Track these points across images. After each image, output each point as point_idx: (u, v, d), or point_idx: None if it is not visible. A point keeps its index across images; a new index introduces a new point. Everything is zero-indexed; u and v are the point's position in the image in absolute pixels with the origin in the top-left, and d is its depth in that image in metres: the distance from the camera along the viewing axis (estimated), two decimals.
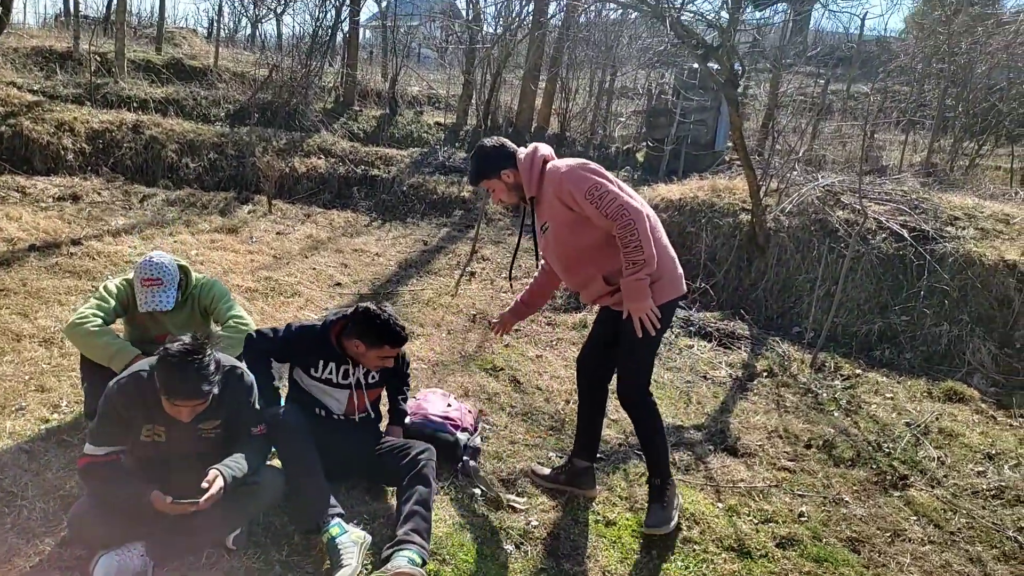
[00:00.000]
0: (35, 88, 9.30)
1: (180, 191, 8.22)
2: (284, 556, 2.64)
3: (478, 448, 3.52)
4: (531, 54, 12.26)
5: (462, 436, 3.41)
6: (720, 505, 3.35)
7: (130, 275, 3.37)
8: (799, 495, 3.51)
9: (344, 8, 12.22)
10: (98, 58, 10.38)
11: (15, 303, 4.72)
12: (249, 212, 7.98)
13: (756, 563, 2.95)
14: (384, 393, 3.31)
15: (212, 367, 2.42)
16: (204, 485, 2.42)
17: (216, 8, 28.87)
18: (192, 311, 3.41)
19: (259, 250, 6.71)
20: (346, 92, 11.85)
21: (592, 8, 11.51)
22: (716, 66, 6.51)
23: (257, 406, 2.77)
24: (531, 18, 11.21)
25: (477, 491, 3.19)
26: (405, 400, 3.35)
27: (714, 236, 6.69)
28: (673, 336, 5.55)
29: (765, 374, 4.97)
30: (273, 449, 2.88)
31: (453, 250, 7.50)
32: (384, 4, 14.88)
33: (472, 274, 6.68)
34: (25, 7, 23.63)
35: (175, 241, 6.54)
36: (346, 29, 12.54)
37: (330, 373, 2.99)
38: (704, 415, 4.32)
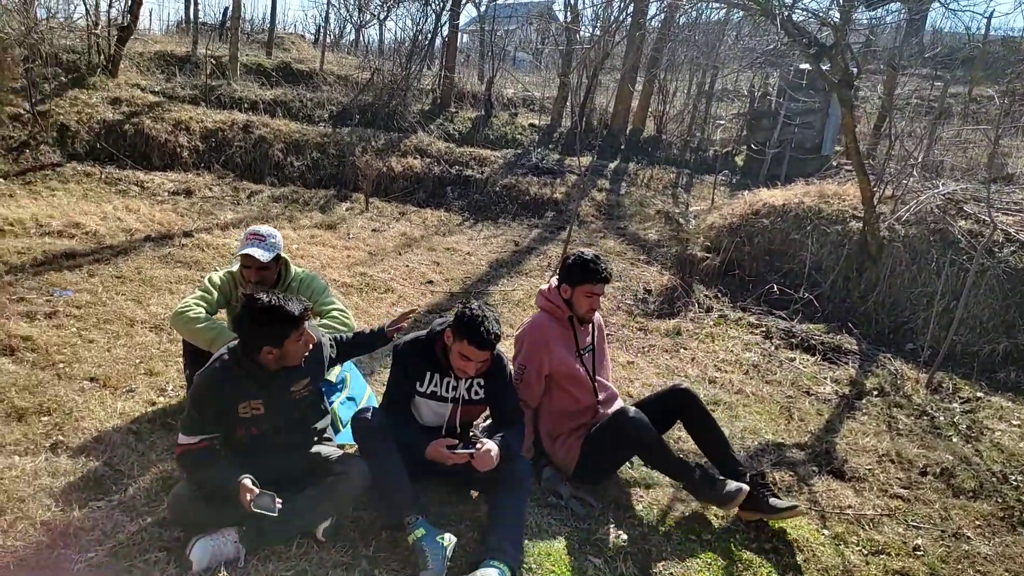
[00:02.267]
0: (156, 89, 9.89)
1: (284, 188, 8.54)
2: (371, 552, 2.63)
3: None
4: (629, 56, 12.06)
5: None
6: (826, 532, 3.13)
7: (234, 267, 3.47)
8: (914, 526, 3.23)
9: (444, 13, 12.42)
10: (213, 61, 10.93)
11: (130, 290, 4.99)
12: (347, 209, 8.19)
13: None
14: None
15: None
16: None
17: (323, 14, 30.06)
18: None
19: (355, 246, 6.86)
20: (443, 94, 12.01)
21: (694, 9, 11.21)
22: (828, 66, 6.17)
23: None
24: (630, 19, 11.00)
25: (563, 501, 3.10)
26: (509, 443, 2.87)
27: (820, 244, 6.34)
28: (773, 348, 5.28)
29: (875, 392, 4.65)
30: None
31: (544, 251, 7.43)
32: (483, 8, 15.03)
33: None
34: (151, 14, 25.31)
35: None
36: (445, 33, 12.75)
37: (435, 385, 2.95)
38: (807, 433, 4.07)
